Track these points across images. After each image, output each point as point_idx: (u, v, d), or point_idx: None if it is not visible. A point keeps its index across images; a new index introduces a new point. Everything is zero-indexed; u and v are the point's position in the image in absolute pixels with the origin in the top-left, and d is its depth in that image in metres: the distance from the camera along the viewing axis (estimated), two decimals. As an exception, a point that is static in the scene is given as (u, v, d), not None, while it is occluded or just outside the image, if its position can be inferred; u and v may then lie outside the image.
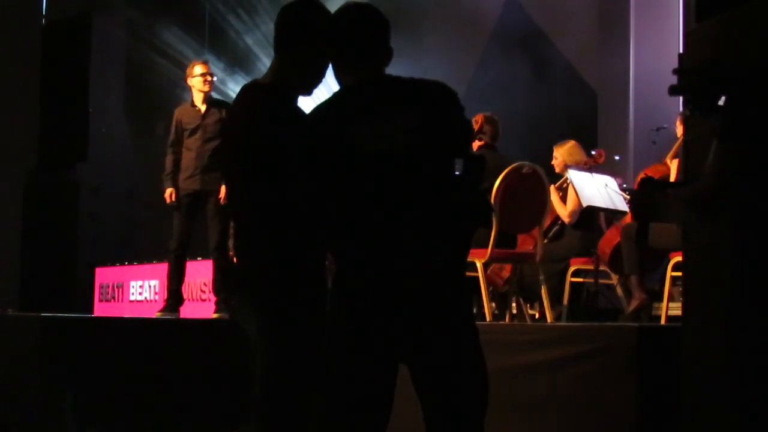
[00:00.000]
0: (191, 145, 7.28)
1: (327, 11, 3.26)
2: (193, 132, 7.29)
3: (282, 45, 3.29)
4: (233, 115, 3.39)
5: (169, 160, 7.36)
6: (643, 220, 3.64)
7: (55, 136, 10.78)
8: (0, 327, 6.81)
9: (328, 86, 3.13)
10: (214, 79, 7.49)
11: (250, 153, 3.19)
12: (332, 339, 2.95)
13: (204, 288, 8.12)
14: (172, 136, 7.41)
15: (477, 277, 5.88)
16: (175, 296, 7.35)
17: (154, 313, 7.46)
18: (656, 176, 6.24)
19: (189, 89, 7.51)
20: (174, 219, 7.39)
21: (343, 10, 3.08)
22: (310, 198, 2.97)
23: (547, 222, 6.53)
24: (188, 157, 7.28)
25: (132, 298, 9.57)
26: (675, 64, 3.44)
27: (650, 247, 6.01)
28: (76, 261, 10.26)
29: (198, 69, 7.36)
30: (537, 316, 6.84)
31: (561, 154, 6.89)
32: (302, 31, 3.25)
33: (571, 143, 6.93)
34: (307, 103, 3.32)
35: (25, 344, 6.34)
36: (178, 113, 7.44)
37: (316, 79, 3.32)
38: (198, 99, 7.35)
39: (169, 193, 7.33)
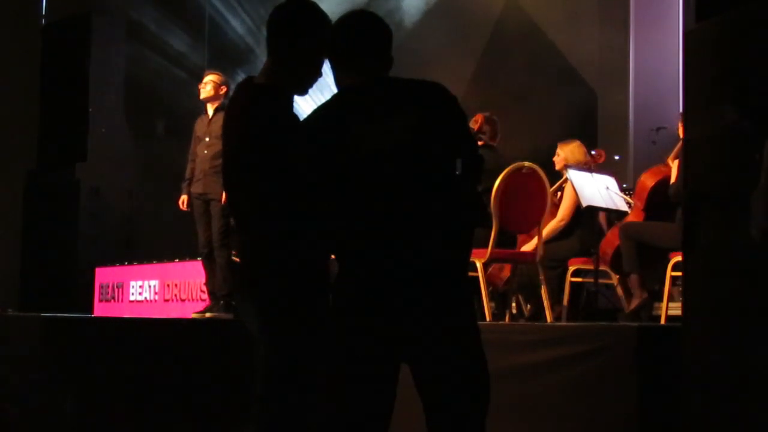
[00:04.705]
0: (199, 152, 7.50)
1: (320, 11, 3.28)
2: (202, 139, 7.46)
3: (275, 45, 3.29)
4: (230, 117, 3.39)
5: (187, 169, 7.61)
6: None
7: (55, 136, 10.77)
8: (0, 327, 6.82)
9: (329, 86, 3.14)
10: (217, 84, 7.49)
11: (249, 154, 3.19)
12: (334, 339, 2.95)
13: (204, 288, 8.12)
14: (191, 147, 7.64)
15: (477, 277, 5.88)
16: (212, 296, 7.43)
17: (191, 314, 7.56)
18: (658, 177, 6.26)
19: (197, 94, 7.68)
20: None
21: (346, 16, 3.11)
22: (310, 198, 2.98)
23: (547, 221, 6.53)
24: (197, 163, 7.49)
25: (132, 298, 9.56)
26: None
27: (651, 246, 6.02)
28: (76, 261, 10.25)
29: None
30: (527, 313, 6.83)
31: (564, 151, 6.91)
32: (295, 30, 3.25)
33: (576, 143, 6.95)
34: (303, 102, 3.33)
35: (25, 344, 6.35)
36: (196, 124, 7.67)
37: (311, 79, 3.32)
38: (208, 108, 7.54)
39: (181, 200, 7.61)
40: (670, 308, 5.96)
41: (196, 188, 7.46)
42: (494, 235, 5.91)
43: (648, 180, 6.32)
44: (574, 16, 10.61)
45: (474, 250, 5.55)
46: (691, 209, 3.54)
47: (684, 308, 3.69)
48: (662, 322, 5.90)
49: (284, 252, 3.17)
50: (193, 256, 8.43)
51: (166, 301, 9.05)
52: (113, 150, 10.59)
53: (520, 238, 6.65)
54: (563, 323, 6.20)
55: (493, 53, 11.20)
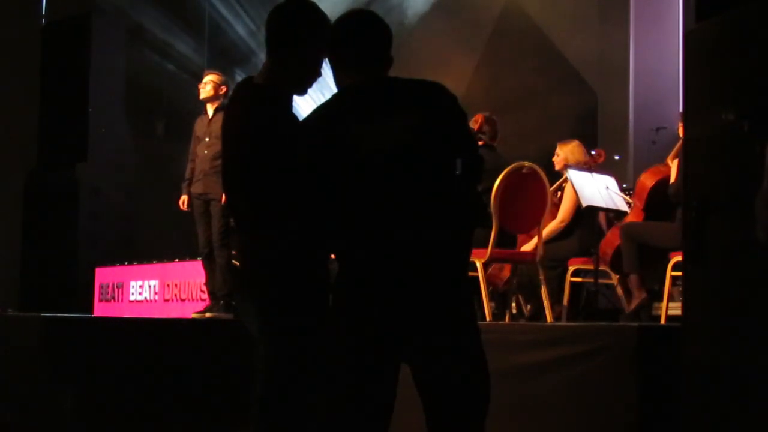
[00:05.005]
0: (199, 152, 7.50)
1: (320, 11, 3.28)
2: (202, 139, 7.45)
3: (275, 45, 3.29)
4: (229, 117, 3.38)
5: (187, 169, 7.59)
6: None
7: (55, 136, 10.77)
8: (0, 327, 6.81)
9: (329, 86, 3.14)
10: (216, 85, 7.48)
11: (248, 154, 3.19)
12: (334, 339, 2.95)
13: (204, 288, 8.13)
14: (190, 147, 7.63)
15: (477, 277, 5.88)
16: (212, 296, 7.43)
17: (191, 314, 7.55)
18: (657, 177, 6.26)
19: (197, 94, 7.65)
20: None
21: (346, 16, 3.10)
22: (310, 198, 2.98)
23: (547, 221, 6.53)
24: (197, 164, 7.49)
25: (132, 298, 9.56)
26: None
27: (651, 246, 6.02)
28: (76, 261, 10.25)
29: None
30: (527, 313, 6.83)
31: (564, 151, 6.91)
32: (294, 30, 3.25)
33: (575, 143, 6.96)
34: (303, 102, 3.32)
35: (25, 344, 6.34)
36: (195, 124, 7.66)
37: (310, 79, 3.32)
38: (208, 108, 7.53)
39: (182, 200, 7.60)
40: (670, 308, 5.95)
41: (196, 188, 7.46)
42: (494, 235, 5.91)
43: (648, 180, 6.32)
44: (574, 16, 10.61)
45: (474, 250, 5.55)
46: (691, 209, 3.53)
47: (684, 308, 3.69)
48: (662, 322, 5.90)
49: (284, 252, 3.16)
50: (193, 256, 8.44)
51: (166, 301, 9.06)
52: (113, 150, 10.59)
53: (520, 238, 6.64)
54: (563, 323, 6.20)
55: (492, 54, 11.20)
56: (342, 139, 2.91)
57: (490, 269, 6.47)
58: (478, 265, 5.89)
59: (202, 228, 7.43)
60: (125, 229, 10.74)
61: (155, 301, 9.20)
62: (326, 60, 3.23)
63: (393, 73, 3.12)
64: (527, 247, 6.43)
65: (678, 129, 6.32)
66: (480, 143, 6.68)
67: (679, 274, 5.08)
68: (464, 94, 9.88)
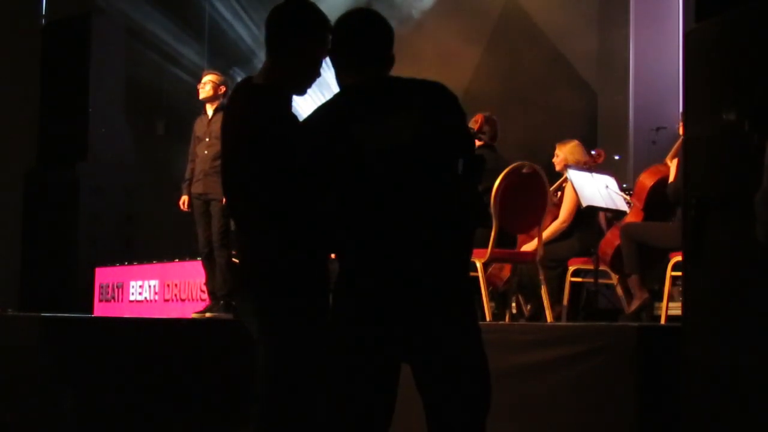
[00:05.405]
0: (199, 152, 7.50)
1: (319, 11, 3.28)
2: (202, 140, 7.45)
3: (274, 45, 3.29)
4: (228, 117, 3.38)
5: (187, 170, 7.60)
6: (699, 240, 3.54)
7: (55, 135, 10.78)
8: (0, 327, 6.82)
9: (329, 86, 3.14)
10: (215, 85, 7.47)
11: (247, 154, 3.19)
12: (334, 338, 2.95)
13: (204, 288, 8.13)
14: (190, 147, 7.63)
15: (477, 277, 5.88)
16: (212, 296, 7.43)
17: (191, 314, 7.55)
18: (657, 176, 6.26)
19: (196, 93, 7.65)
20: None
21: (347, 14, 3.10)
22: (310, 198, 2.97)
23: (547, 222, 6.53)
24: (197, 164, 7.49)
25: (132, 298, 9.56)
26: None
27: (651, 246, 6.02)
28: (76, 261, 10.25)
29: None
30: (527, 313, 6.84)
31: (563, 152, 6.91)
32: (294, 30, 3.25)
33: (574, 143, 6.95)
34: (303, 102, 3.32)
35: (25, 344, 6.34)
36: (195, 124, 7.65)
37: (310, 79, 3.32)
38: (207, 108, 7.53)
39: (182, 201, 7.60)
40: (670, 308, 5.96)
41: (197, 188, 7.46)
42: (494, 235, 5.91)
43: (647, 180, 6.32)
44: (574, 16, 10.61)
45: (474, 250, 5.55)
46: (690, 209, 3.54)
47: (684, 308, 3.69)
48: (662, 322, 5.90)
49: (284, 252, 3.16)
50: (193, 256, 8.44)
51: (166, 301, 9.05)
52: (113, 150, 10.60)
53: (520, 238, 6.64)
54: (563, 323, 6.20)
55: (492, 54, 11.20)
56: (343, 139, 2.90)
57: (490, 269, 6.47)
58: (478, 265, 5.89)
59: (202, 228, 7.43)
60: (125, 229, 10.74)
61: (155, 301, 9.20)
62: (326, 60, 3.23)
63: (395, 70, 3.12)
64: (527, 247, 6.43)
65: (678, 129, 6.32)
66: (480, 143, 6.68)
67: (679, 274, 5.08)
68: (463, 95, 9.87)
